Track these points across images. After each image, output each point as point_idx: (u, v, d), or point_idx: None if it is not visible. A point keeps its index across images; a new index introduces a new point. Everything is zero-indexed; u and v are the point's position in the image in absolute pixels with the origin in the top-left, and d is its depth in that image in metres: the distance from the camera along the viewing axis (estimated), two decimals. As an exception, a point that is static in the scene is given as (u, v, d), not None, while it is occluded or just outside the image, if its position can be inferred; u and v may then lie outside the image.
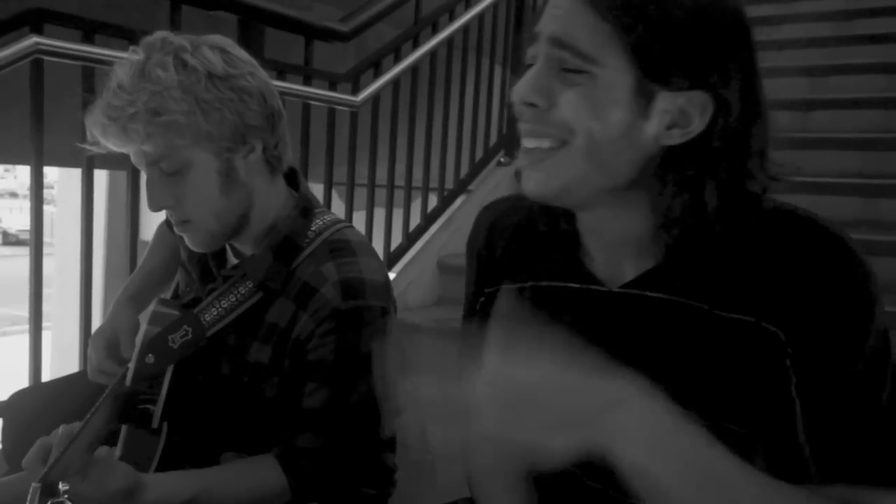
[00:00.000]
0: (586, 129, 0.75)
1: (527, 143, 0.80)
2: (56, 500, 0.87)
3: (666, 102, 0.75)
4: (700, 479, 0.68)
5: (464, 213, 3.07)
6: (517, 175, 0.84)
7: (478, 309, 1.02)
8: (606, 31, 0.74)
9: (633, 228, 0.83)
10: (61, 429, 0.96)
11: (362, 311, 1.11)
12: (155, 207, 1.11)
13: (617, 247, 0.85)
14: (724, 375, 0.78)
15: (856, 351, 0.75)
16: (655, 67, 0.74)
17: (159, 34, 1.08)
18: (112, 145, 1.07)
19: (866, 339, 0.75)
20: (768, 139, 0.84)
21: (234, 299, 1.16)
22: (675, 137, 0.77)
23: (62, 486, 0.88)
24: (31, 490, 0.84)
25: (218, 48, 1.09)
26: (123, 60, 1.06)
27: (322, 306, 1.10)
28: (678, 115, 0.76)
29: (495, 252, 0.99)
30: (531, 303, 0.93)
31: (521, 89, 0.77)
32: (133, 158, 1.09)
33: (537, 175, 0.79)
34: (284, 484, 1.10)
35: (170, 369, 1.17)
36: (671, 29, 0.74)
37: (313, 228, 1.19)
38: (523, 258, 0.95)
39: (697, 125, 0.76)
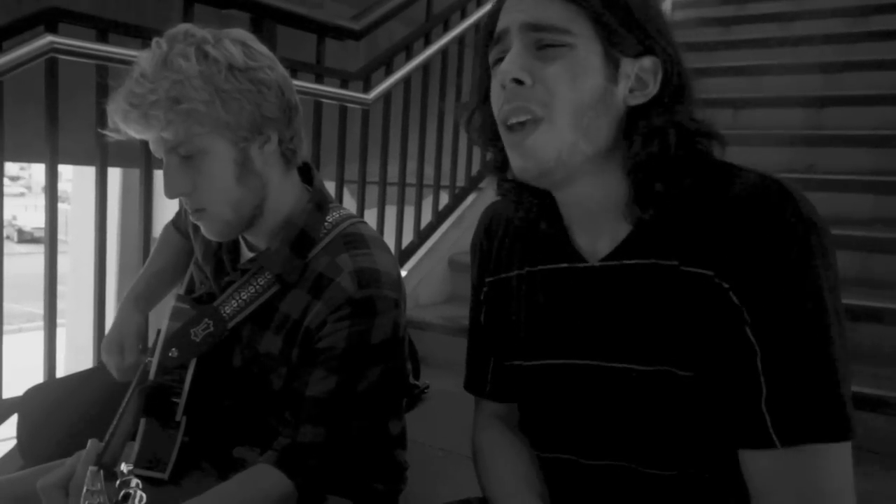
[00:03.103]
0: (570, 99, 0.84)
1: (513, 119, 0.86)
2: (124, 479, 0.87)
3: (627, 68, 0.86)
4: None
5: (475, 211, 3.06)
6: (508, 153, 0.90)
7: (482, 299, 1.08)
8: (573, 10, 0.85)
9: (611, 195, 0.90)
10: (90, 444, 0.96)
11: (376, 300, 1.12)
12: (172, 194, 1.12)
13: (597, 219, 0.92)
14: (688, 325, 0.84)
15: (798, 296, 0.78)
16: (616, 37, 0.85)
17: (182, 26, 1.10)
18: (133, 132, 1.09)
19: (806, 285, 0.78)
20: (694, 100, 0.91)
21: (253, 291, 1.18)
22: (638, 98, 0.88)
23: (125, 467, 0.88)
24: (88, 473, 0.85)
25: (239, 41, 1.11)
26: (147, 51, 1.08)
27: (337, 294, 1.11)
28: (636, 78, 0.87)
29: (493, 245, 1.06)
30: (527, 287, 1.00)
31: (507, 69, 0.85)
32: (152, 146, 1.11)
33: (530, 148, 0.86)
34: (289, 488, 1.10)
35: (192, 362, 1.19)
36: (622, 3, 0.86)
37: (329, 221, 1.20)
38: (517, 248, 1.03)
39: (653, 87, 0.87)
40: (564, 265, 0.96)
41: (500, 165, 0.97)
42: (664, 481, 0.89)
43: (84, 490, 0.85)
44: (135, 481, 0.87)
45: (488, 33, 0.93)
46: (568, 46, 0.84)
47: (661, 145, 0.86)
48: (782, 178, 0.83)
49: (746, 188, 0.82)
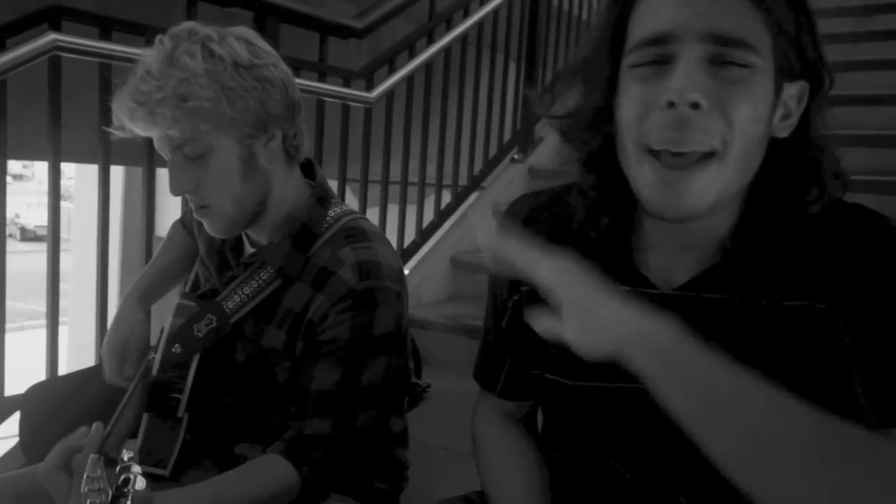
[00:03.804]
0: (747, 134, 0.72)
1: (676, 148, 0.72)
2: (124, 465, 0.87)
3: (785, 93, 0.75)
4: (702, 394, 0.66)
5: (476, 210, 3.06)
6: (651, 185, 0.75)
7: (510, 307, 0.99)
8: (758, 18, 0.71)
9: (717, 230, 0.80)
10: (94, 427, 0.97)
11: (377, 291, 1.12)
12: (176, 191, 1.13)
13: (685, 250, 0.82)
14: (785, 364, 0.77)
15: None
16: (789, 55, 0.73)
17: (186, 25, 1.11)
18: (139, 129, 1.09)
19: None
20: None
21: (255, 286, 1.18)
22: (784, 129, 0.76)
23: (126, 454, 0.88)
24: (89, 460, 0.85)
25: (243, 39, 1.12)
26: (151, 49, 1.09)
27: (338, 287, 1.11)
28: (787, 105, 0.75)
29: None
30: None
31: (684, 87, 0.70)
32: (157, 143, 1.12)
33: (692, 189, 0.72)
34: (295, 479, 1.11)
35: (195, 358, 1.20)
36: (803, 12, 0.73)
37: (330, 215, 1.21)
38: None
39: (795, 118, 0.76)
40: (627, 288, 0.85)
41: (592, 166, 0.84)
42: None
43: (84, 476, 0.85)
44: (135, 468, 0.87)
45: (618, 8, 0.77)
46: (751, 68, 0.71)
47: (818, 194, 0.76)
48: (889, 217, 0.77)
49: (856, 221, 0.76)
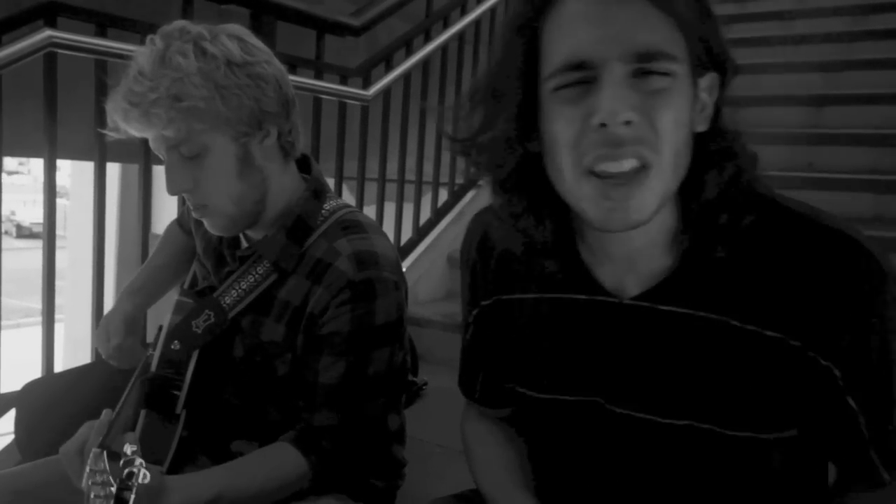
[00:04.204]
0: (675, 139, 0.73)
1: (612, 167, 0.72)
2: (127, 458, 0.88)
3: (699, 87, 0.76)
4: None
5: (474, 208, 3.05)
6: (595, 202, 0.74)
7: (471, 321, 1.01)
8: (672, 25, 0.72)
9: (659, 231, 0.80)
10: (104, 413, 0.99)
11: (375, 282, 1.12)
12: (174, 191, 1.13)
13: (633, 255, 0.82)
14: (757, 389, 0.78)
15: (887, 352, 0.77)
16: (700, 54, 0.74)
17: (177, 23, 1.10)
18: (133, 130, 1.09)
19: (889, 337, 0.76)
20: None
21: (252, 280, 1.18)
22: (703, 122, 0.77)
23: (129, 448, 0.89)
24: (91, 454, 0.85)
25: (235, 37, 1.11)
26: (143, 48, 1.08)
27: (337, 278, 1.12)
28: (701, 98, 0.76)
29: (488, 263, 0.97)
30: (534, 315, 0.91)
31: (613, 108, 0.70)
32: (152, 144, 1.12)
33: (634, 203, 0.73)
34: (304, 467, 1.11)
35: (194, 355, 1.20)
36: (706, 9, 0.75)
37: (326, 208, 1.21)
38: (521, 269, 0.91)
39: (710, 107, 0.77)
40: (583, 297, 0.86)
41: (512, 186, 0.84)
42: None
43: (87, 470, 0.85)
44: (139, 460, 0.87)
45: (528, 31, 0.77)
46: (672, 76, 0.72)
47: (733, 174, 0.77)
48: (855, 229, 0.77)
49: (835, 252, 0.75)
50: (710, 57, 0.76)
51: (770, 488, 0.84)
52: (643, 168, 0.72)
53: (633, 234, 0.78)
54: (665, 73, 0.71)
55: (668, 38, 0.72)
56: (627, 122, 0.71)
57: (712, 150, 0.77)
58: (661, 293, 0.81)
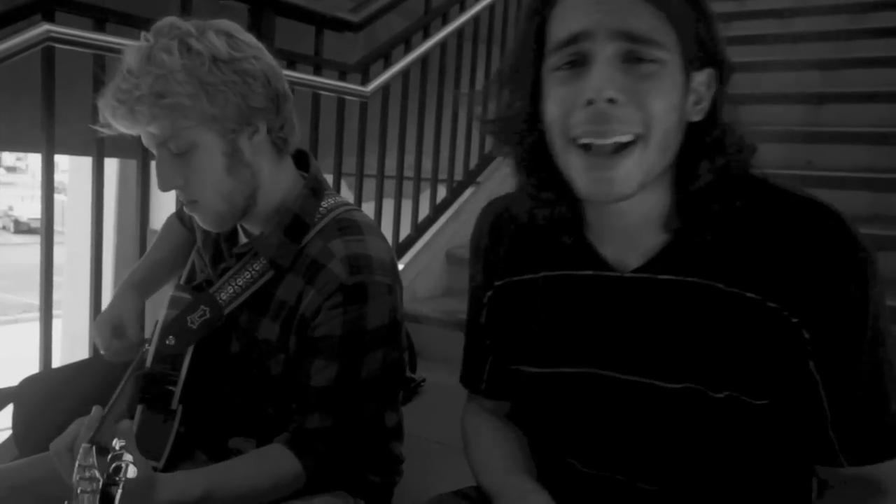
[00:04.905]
0: (662, 119, 0.79)
1: (599, 140, 0.79)
2: (115, 453, 0.88)
3: (694, 81, 0.82)
4: None
5: (473, 205, 3.06)
6: (580, 172, 0.82)
7: (485, 302, 1.04)
8: (662, 18, 0.78)
9: (654, 208, 0.86)
10: (94, 409, 0.98)
11: (368, 285, 1.12)
12: (165, 187, 1.13)
13: (630, 231, 0.88)
14: (738, 349, 0.83)
15: (859, 328, 0.80)
16: (692, 48, 0.80)
17: (168, 20, 1.10)
18: (122, 127, 1.10)
19: (866, 317, 0.80)
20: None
21: (248, 276, 1.19)
22: (697, 113, 0.84)
23: (117, 443, 0.89)
24: (81, 450, 0.86)
25: (223, 32, 1.11)
26: (133, 45, 1.09)
27: (329, 281, 1.12)
28: (698, 92, 0.83)
29: (500, 249, 1.01)
30: (544, 293, 0.96)
31: (600, 86, 0.77)
32: (143, 140, 1.12)
33: (618, 174, 0.79)
34: (299, 469, 1.11)
35: (189, 350, 1.20)
36: (701, 9, 0.81)
37: (324, 206, 1.21)
38: (528, 251, 0.98)
39: (706, 102, 0.84)
40: (590, 272, 0.92)
41: (529, 165, 0.91)
42: (660, 497, 0.90)
43: (76, 465, 0.86)
44: (127, 456, 0.87)
45: (538, 18, 0.84)
46: (660, 63, 0.78)
47: (723, 164, 0.83)
48: (834, 206, 0.83)
49: (804, 216, 0.81)
50: (703, 53, 0.82)
51: (764, 455, 0.88)
52: (629, 144, 0.78)
53: (626, 211, 0.85)
54: (653, 60, 0.78)
55: (658, 28, 0.78)
56: (612, 101, 0.77)
57: (706, 141, 0.83)
58: (657, 264, 0.87)
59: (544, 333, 0.96)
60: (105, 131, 1.12)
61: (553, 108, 0.82)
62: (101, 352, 1.30)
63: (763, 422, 0.84)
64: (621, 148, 0.78)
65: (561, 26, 0.81)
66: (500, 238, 1.02)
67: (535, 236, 0.96)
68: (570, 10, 0.81)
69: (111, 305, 1.34)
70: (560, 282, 0.94)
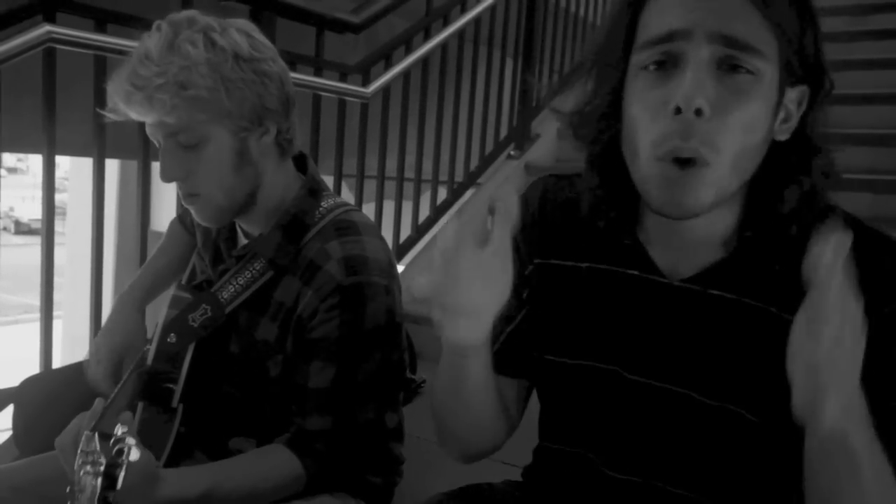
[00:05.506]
0: (740, 142, 0.74)
1: (681, 154, 0.74)
2: (118, 437, 0.88)
3: (787, 97, 0.77)
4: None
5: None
6: (657, 185, 0.77)
7: (526, 275, 0.97)
8: (766, 26, 0.73)
9: (720, 223, 0.83)
10: (96, 402, 0.99)
11: (365, 287, 1.12)
12: (167, 178, 1.13)
13: (689, 242, 0.85)
14: (784, 377, 0.77)
15: None
16: (793, 61, 0.76)
17: (186, 13, 1.11)
18: (134, 114, 1.09)
19: None
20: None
21: (249, 276, 1.19)
22: (784, 132, 0.79)
23: (120, 429, 0.89)
24: (84, 437, 0.86)
25: (244, 32, 1.12)
26: (150, 33, 1.08)
27: (325, 282, 1.12)
28: (788, 109, 0.78)
29: (545, 224, 0.96)
30: (584, 284, 0.93)
31: (691, 94, 0.72)
32: (149, 129, 1.11)
33: (693, 192, 0.75)
34: (299, 470, 1.11)
35: (190, 348, 1.20)
36: (809, 21, 0.76)
37: (322, 206, 1.21)
38: (577, 238, 0.93)
39: (794, 121, 0.79)
40: (635, 272, 0.88)
41: (601, 166, 0.87)
42: (678, 502, 0.88)
43: (79, 450, 0.86)
44: (129, 440, 0.87)
45: (631, 9, 0.79)
46: (756, 74, 0.73)
47: (810, 190, 0.79)
48: None
49: (867, 246, 0.76)
50: (803, 67, 0.77)
51: (788, 481, 0.84)
52: (700, 163, 0.74)
53: (695, 226, 0.81)
54: (751, 71, 0.73)
55: (759, 36, 0.73)
56: (699, 112, 0.72)
57: (792, 161, 0.79)
58: (710, 278, 0.84)
59: (578, 325, 0.92)
60: (112, 116, 1.11)
61: (636, 110, 0.78)
62: (91, 378, 1.26)
63: (795, 449, 0.80)
64: (701, 165, 0.74)
65: (657, 21, 0.76)
66: (544, 215, 0.97)
67: (581, 224, 0.92)
68: (668, 4, 0.76)
69: (115, 326, 1.30)
70: (604, 276, 0.91)
